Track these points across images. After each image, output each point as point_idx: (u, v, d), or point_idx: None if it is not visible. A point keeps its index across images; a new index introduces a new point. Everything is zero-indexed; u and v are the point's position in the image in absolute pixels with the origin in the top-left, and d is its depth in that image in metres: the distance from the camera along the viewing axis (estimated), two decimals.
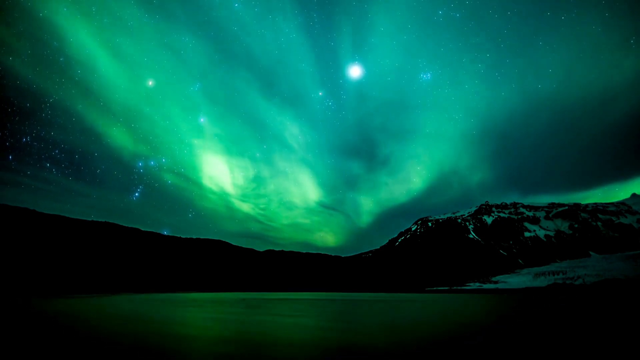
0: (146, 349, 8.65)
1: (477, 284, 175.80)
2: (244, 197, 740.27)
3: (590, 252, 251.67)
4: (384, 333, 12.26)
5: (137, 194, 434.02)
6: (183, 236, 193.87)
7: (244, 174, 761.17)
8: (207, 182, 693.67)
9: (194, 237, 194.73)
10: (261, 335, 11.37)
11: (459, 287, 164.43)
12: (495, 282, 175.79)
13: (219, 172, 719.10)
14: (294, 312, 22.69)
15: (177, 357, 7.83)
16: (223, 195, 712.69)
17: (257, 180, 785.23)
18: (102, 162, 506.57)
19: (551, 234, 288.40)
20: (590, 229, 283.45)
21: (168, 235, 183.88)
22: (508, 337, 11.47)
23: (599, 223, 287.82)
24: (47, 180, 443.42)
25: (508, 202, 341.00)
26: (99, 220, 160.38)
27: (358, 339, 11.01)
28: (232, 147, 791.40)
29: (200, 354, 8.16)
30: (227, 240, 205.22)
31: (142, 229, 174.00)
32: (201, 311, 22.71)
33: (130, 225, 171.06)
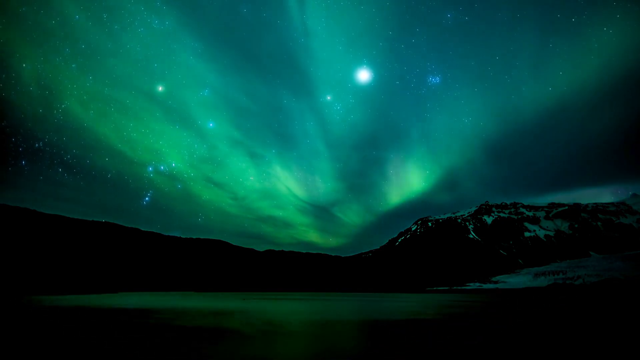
0: None
1: (477, 284, 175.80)
2: (253, 199, 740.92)
3: (590, 252, 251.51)
4: None
5: (147, 199, 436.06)
6: (183, 236, 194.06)
7: (255, 177, 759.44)
8: (216, 185, 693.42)
9: (194, 237, 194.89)
10: None
11: (459, 287, 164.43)
12: (495, 282, 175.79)
13: (228, 175, 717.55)
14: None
15: None
16: (232, 199, 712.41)
17: (268, 182, 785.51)
18: (113, 167, 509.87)
19: (551, 234, 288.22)
20: (590, 229, 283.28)
21: (168, 235, 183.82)
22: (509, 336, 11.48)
23: (599, 223, 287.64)
24: (59, 185, 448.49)
25: (508, 202, 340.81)
26: (100, 220, 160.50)
27: None
28: (241, 151, 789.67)
29: None
30: (228, 241, 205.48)
31: (142, 229, 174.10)
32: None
33: (132, 226, 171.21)
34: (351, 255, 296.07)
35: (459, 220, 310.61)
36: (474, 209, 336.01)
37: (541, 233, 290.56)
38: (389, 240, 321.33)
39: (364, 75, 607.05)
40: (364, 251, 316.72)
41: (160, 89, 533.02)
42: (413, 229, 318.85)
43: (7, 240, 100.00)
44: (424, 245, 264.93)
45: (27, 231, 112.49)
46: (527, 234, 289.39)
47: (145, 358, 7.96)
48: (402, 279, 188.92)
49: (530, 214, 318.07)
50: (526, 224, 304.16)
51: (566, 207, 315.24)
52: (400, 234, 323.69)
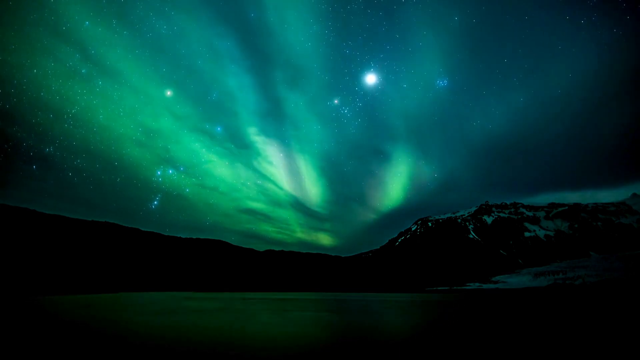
0: None
1: (477, 284, 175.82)
2: (262, 202, 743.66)
3: (590, 252, 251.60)
4: None
5: (156, 202, 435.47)
6: (183, 236, 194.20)
7: (261, 181, 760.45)
8: (225, 189, 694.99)
9: (194, 237, 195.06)
10: None
11: (459, 287, 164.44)
12: (495, 282, 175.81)
13: (237, 179, 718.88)
14: None
15: None
16: (240, 203, 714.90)
17: (275, 187, 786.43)
18: (122, 171, 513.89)
19: (551, 234, 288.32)
20: (590, 229, 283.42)
21: (168, 236, 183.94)
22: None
23: (599, 223, 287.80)
24: (69, 188, 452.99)
25: (508, 202, 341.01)
26: (100, 220, 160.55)
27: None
28: (248, 154, 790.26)
29: None
30: (227, 241, 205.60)
31: (142, 229, 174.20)
32: None
33: (132, 226, 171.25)
34: (351, 255, 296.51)
35: (459, 220, 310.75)
36: (474, 209, 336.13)
37: (541, 233, 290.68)
38: (389, 240, 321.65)
39: (371, 79, 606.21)
40: (364, 251, 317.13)
41: (168, 93, 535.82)
42: (413, 229, 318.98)
43: (7, 240, 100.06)
44: (424, 245, 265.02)
45: (27, 231, 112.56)
46: (527, 234, 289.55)
47: None
48: (402, 279, 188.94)
49: (530, 214, 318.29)
50: (526, 224, 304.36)
51: (566, 207, 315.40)
52: (400, 234, 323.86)
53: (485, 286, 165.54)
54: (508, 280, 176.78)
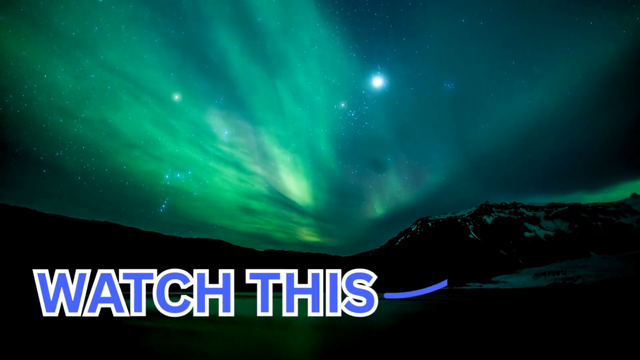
0: None
1: (477, 284, 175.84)
2: (267, 208, 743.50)
3: (590, 252, 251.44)
4: None
5: (164, 206, 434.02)
6: (183, 236, 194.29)
7: (266, 185, 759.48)
8: (231, 193, 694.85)
9: (194, 237, 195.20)
10: None
11: (459, 287, 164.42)
12: (495, 282, 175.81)
13: (243, 182, 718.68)
14: None
15: None
16: (246, 206, 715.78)
17: (278, 191, 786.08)
18: (130, 174, 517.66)
19: (551, 234, 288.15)
20: (590, 229, 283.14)
21: (168, 235, 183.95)
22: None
23: (599, 223, 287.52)
24: (79, 192, 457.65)
25: (508, 202, 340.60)
26: (100, 220, 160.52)
27: None
28: (254, 157, 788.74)
29: None
30: (228, 241, 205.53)
31: (142, 229, 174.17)
32: None
33: (130, 226, 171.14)
34: (351, 255, 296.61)
35: (459, 220, 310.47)
36: (474, 209, 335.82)
37: (541, 233, 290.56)
38: (389, 240, 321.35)
39: (377, 82, 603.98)
40: (364, 251, 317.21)
41: (176, 97, 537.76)
42: (413, 229, 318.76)
43: (7, 240, 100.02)
44: (424, 245, 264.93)
45: (27, 231, 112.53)
46: (527, 234, 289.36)
47: None
48: (402, 279, 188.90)
49: (530, 214, 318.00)
50: (526, 224, 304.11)
51: (566, 207, 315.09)
52: (400, 234, 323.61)
53: (485, 286, 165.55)
54: (508, 280, 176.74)
